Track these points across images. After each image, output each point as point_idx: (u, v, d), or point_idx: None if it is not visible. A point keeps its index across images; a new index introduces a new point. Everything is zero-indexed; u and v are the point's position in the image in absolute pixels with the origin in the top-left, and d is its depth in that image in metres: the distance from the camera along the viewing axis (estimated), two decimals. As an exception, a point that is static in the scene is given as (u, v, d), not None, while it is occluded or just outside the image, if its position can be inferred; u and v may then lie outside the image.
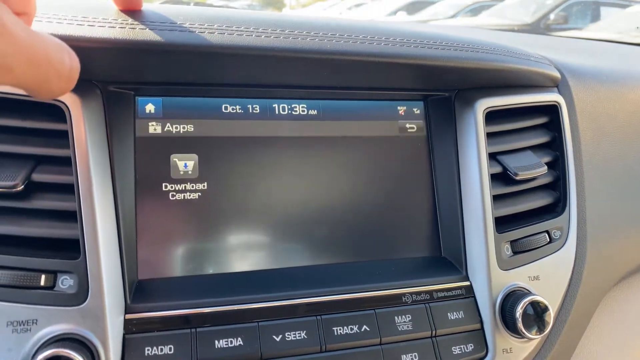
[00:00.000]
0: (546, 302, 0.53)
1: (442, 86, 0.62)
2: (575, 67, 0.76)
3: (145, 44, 0.46)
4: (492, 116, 0.62)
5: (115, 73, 0.52)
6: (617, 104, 0.79)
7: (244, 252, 0.54)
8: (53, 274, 0.45)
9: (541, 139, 0.66)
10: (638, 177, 0.75)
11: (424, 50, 0.55)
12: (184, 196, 0.54)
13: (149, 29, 0.47)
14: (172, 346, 0.46)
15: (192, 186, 0.54)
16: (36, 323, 0.43)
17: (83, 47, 0.45)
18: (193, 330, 0.47)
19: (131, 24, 0.47)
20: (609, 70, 0.85)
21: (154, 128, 0.54)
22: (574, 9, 9.44)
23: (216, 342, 0.47)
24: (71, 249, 0.46)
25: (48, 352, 0.41)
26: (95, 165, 0.48)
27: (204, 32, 0.48)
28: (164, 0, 1.33)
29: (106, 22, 0.46)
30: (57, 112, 0.48)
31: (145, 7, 0.54)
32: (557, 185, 0.65)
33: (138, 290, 0.49)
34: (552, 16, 9.22)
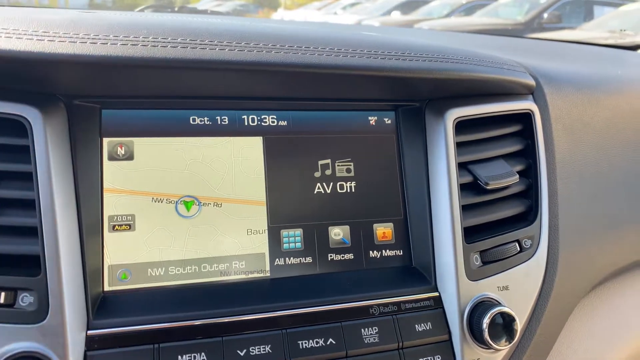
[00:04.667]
0: (513, 313, 0.53)
1: (413, 96, 0.62)
2: (550, 73, 0.76)
3: (107, 59, 0.46)
4: (464, 125, 0.62)
5: (80, 87, 0.52)
6: (592, 110, 0.79)
7: (213, 262, 0.54)
8: (13, 291, 0.45)
9: (514, 147, 0.66)
10: (612, 183, 0.76)
11: (392, 62, 0.54)
12: (151, 209, 0.53)
13: (111, 44, 0.46)
14: None
15: None
16: None
17: (45, 62, 0.45)
18: (156, 345, 0.47)
19: (92, 39, 0.46)
20: (585, 76, 0.85)
21: (121, 147, 0.54)
22: (567, 8, 9.47)
23: (179, 357, 0.47)
24: (32, 266, 0.46)
25: None
26: (58, 181, 0.47)
27: (167, 45, 0.48)
28: (150, 4, 1.32)
29: (67, 37, 0.46)
30: (19, 127, 0.48)
31: (108, 18, 0.53)
32: (530, 194, 0.65)
33: (102, 305, 0.49)
34: (545, 15, 9.25)
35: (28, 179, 0.47)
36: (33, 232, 0.46)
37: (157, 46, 0.47)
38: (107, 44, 0.46)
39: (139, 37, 0.48)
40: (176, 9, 1.29)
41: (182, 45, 0.48)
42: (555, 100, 0.72)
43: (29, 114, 0.48)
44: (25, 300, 0.45)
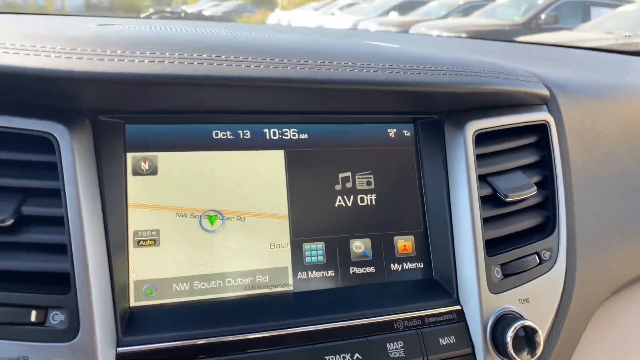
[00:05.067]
0: (536, 327, 0.54)
1: (432, 109, 0.63)
2: (563, 83, 0.76)
3: (135, 76, 0.46)
4: (482, 137, 0.63)
5: (105, 103, 0.52)
6: (605, 119, 0.80)
7: (237, 276, 0.55)
8: (44, 309, 0.45)
9: (531, 158, 0.66)
10: (627, 193, 0.76)
11: (413, 77, 0.55)
12: (175, 224, 0.54)
13: (138, 61, 0.47)
14: None
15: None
16: None
17: (73, 80, 0.45)
18: None
19: (120, 56, 0.47)
20: (595, 84, 0.86)
21: (145, 161, 0.54)
22: (564, 9, 9.51)
23: None
24: (62, 283, 0.46)
25: None
26: (85, 197, 0.48)
27: (193, 62, 0.48)
28: (155, 10, 1.32)
29: (94, 54, 0.46)
30: (46, 144, 0.48)
31: (131, 33, 0.54)
32: (547, 205, 0.65)
33: (129, 321, 0.49)
34: (543, 16, 9.28)
35: (56, 195, 0.47)
36: (62, 249, 0.46)
37: (184, 63, 0.47)
38: (134, 61, 0.47)
39: (164, 53, 0.48)
40: (182, 14, 1.28)
41: (208, 62, 0.48)
42: (569, 110, 0.72)
43: (56, 130, 0.48)
44: (56, 318, 0.45)
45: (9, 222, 0.46)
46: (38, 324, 0.45)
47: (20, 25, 0.69)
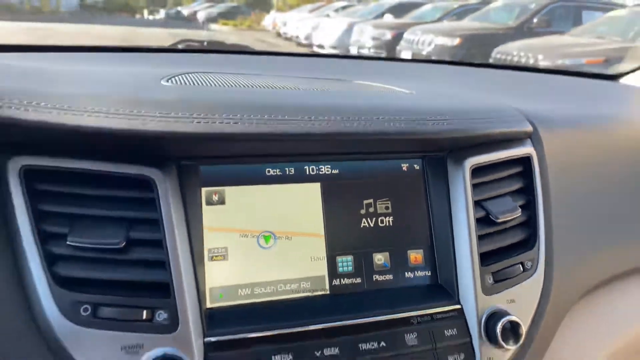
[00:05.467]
0: (519, 321, 0.69)
1: (437, 148, 0.78)
2: (545, 117, 0.91)
3: (214, 135, 0.61)
4: (477, 170, 0.78)
5: (186, 151, 0.67)
6: (582, 147, 0.96)
7: (286, 283, 0.70)
8: (151, 310, 0.60)
9: (517, 185, 0.82)
10: (596, 211, 0.92)
11: (424, 127, 0.70)
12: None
13: (219, 122, 0.62)
14: None
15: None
16: (142, 347, 0.58)
17: (171, 138, 0.60)
18: (256, 349, 0.62)
19: (205, 118, 0.62)
20: (574, 116, 1.02)
21: (215, 194, 0.69)
22: (556, 13, 9.64)
23: (273, 357, 0.62)
24: (162, 290, 0.61)
25: None
26: (177, 224, 0.63)
27: (260, 122, 0.63)
28: (180, 40, 1.46)
29: (185, 117, 0.61)
30: (145, 184, 0.63)
31: (208, 96, 0.69)
32: (530, 224, 0.81)
33: (209, 318, 0.64)
34: (535, 20, 9.41)
35: (154, 223, 0.62)
36: (161, 265, 0.62)
37: (253, 123, 0.63)
38: (215, 122, 0.62)
39: (237, 115, 0.63)
40: (205, 43, 1.44)
41: (272, 121, 0.63)
42: (550, 142, 0.87)
43: (154, 174, 0.63)
44: (161, 316, 0.60)
45: (122, 244, 0.61)
46: (148, 320, 0.60)
47: (93, 74, 0.84)
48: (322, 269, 0.72)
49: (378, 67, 1.41)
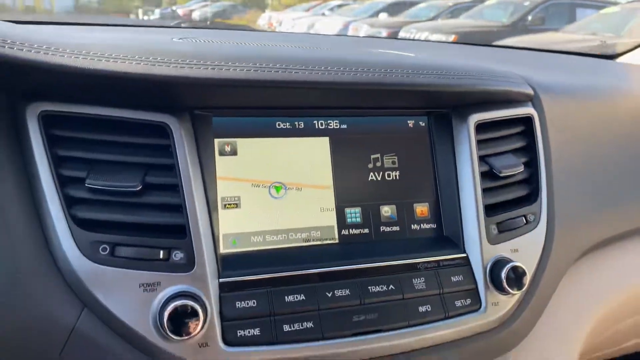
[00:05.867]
0: (524, 267, 0.72)
1: (442, 104, 0.80)
2: (545, 84, 0.94)
3: (226, 80, 0.63)
4: (481, 126, 0.80)
5: (199, 101, 0.69)
6: (580, 113, 0.98)
7: (297, 232, 0.72)
8: (168, 250, 0.62)
9: (519, 143, 0.84)
10: (596, 174, 0.95)
11: (431, 79, 0.72)
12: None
13: (231, 69, 0.63)
14: (255, 300, 0.63)
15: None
16: (160, 284, 0.60)
17: (186, 83, 0.62)
18: (269, 289, 0.64)
19: (218, 65, 0.63)
20: (573, 85, 1.05)
21: (228, 145, 0.71)
22: (550, 11, 9.71)
23: (286, 297, 0.64)
24: (178, 232, 0.63)
25: (175, 304, 0.57)
26: (192, 170, 0.64)
27: (271, 70, 0.65)
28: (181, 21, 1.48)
29: (201, 64, 0.63)
30: (160, 131, 0.65)
31: (216, 48, 0.70)
32: (532, 180, 0.83)
33: (223, 262, 0.66)
34: (529, 18, 9.48)
35: (170, 169, 0.64)
36: (177, 209, 0.63)
37: (265, 70, 0.64)
38: (228, 69, 0.63)
39: (249, 63, 0.65)
40: (208, 22, 1.45)
41: (280, 69, 0.65)
42: (550, 107, 0.90)
43: (170, 121, 0.65)
44: (177, 256, 0.62)
45: (139, 187, 0.62)
46: (164, 260, 0.61)
47: (108, 36, 0.85)
48: (332, 219, 0.74)
49: (382, 43, 1.44)
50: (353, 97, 0.74)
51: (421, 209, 0.78)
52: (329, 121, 0.76)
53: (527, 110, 0.85)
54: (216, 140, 0.71)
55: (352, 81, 0.67)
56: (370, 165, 0.77)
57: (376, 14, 12.70)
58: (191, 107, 0.68)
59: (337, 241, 0.73)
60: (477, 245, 0.74)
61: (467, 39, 8.56)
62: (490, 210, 0.77)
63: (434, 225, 0.78)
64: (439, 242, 0.76)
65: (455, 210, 0.77)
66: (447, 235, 0.78)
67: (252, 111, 0.73)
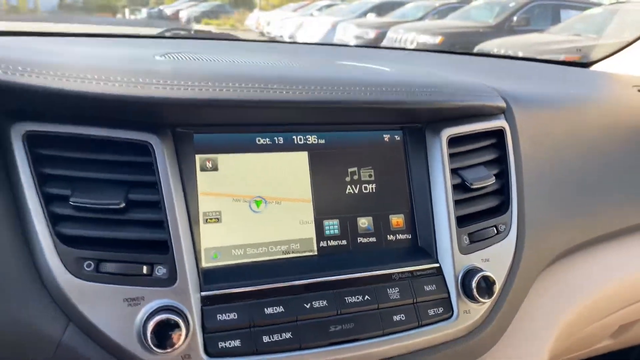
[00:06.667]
0: (493, 276, 0.75)
1: (416, 120, 0.83)
2: (517, 95, 0.97)
3: (208, 101, 0.66)
4: (453, 140, 0.83)
5: (181, 119, 0.71)
6: (551, 124, 1.02)
7: (277, 244, 0.74)
8: (151, 265, 0.64)
9: (491, 155, 0.87)
10: (566, 182, 0.98)
11: (404, 97, 0.75)
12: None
13: (212, 89, 0.66)
14: (235, 313, 0.65)
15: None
16: (143, 299, 0.62)
17: (167, 104, 0.64)
18: (249, 302, 0.66)
19: (199, 86, 0.66)
20: (545, 95, 1.08)
21: (209, 161, 0.73)
22: (535, 11, 9.82)
23: (265, 309, 0.67)
24: (161, 247, 0.65)
25: (158, 318, 0.60)
26: (174, 187, 0.67)
27: (249, 89, 0.67)
28: (168, 28, 1.50)
29: (181, 85, 0.65)
30: (143, 149, 0.67)
31: (197, 67, 0.73)
32: (503, 191, 0.87)
33: (205, 275, 0.68)
34: (515, 18, 9.57)
35: (152, 186, 0.66)
36: (159, 225, 0.66)
37: (244, 90, 0.67)
38: (208, 89, 0.66)
39: (229, 83, 0.67)
40: (192, 31, 1.47)
41: (260, 89, 0.68)
42: (521, 118, 0.93)
43: (151, 139, 0.67)
44: (160, 271, 0.64)
45: (122, 205, 0.65)
46: (148, 275, 0.64)
47: (90, 52, 0.87)
48: (310, 232, 0.76)
49: (361, 53, 1.47)
50: (330, 114, 0.77)
51: (397, 220, 0.81)
52: (307, 136, 0.79)
53: (499, 123, 0.89)
54: (197, 156, 0.73)
55: (328, 99, 0.70)
56: (348, 179, 0.80)
57: (364, 14, 12.75)
58: (173, 125, 0.71)
59: (315, 253, 0.76)
60: (450, 256, 0.77)
61: (454, 40, 8.65)
62: (462, 221, 0.80)
63: (409, 236, 0.81)
64: (413, 253, 0.79)
65: (429, 221, 0.80)
66: (422, 245, 0.81)
67: (232, 127, 0.75)
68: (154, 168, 0.67)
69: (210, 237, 0.72)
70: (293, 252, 0.75)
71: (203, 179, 0.73)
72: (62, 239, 0.63)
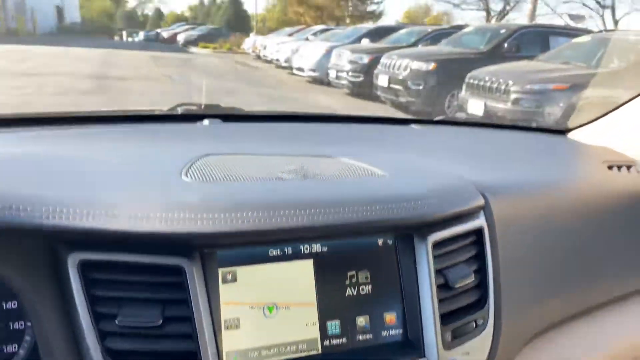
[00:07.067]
0: (473, 369, 0.88)
1: (406, 228, 0.96)
2: (495, 188, 1.10)
3: (233, 233, 0.79)
4: (437, 243, 0.97)
5: (209, 243, 0.84)
6: (529, 212, 1.15)
7: (287, 345, 0.87)
8: None
9: (471, 253, 1.01)
10: (542, 266, 1.12)
11: (396, 215, 0.89)
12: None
13: (235, 220, 0.79)
14: None
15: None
16: None
17: (196, 236, 0.78)
18: None
19: (223, 219, 0.79)
20: (523, 182, 1.22)
21: (229, 274, 0.86)
22: (525, 38, 10.07)
23: None
24: (190, 357, 0.78)
25: None
26: (202, 301, 0.80)
27: (269, 219, 0.81)
28: (179, 103, 1.63)
29: (211, 219, 0.78)
30: (174, 271, 0.80)
31: (220, 193, 0.86)
32: (482, 286, 1.00)
33: None
34: (505, 45, 9.80)
35: (184, 302, 0.79)
36: (189, 336, 0.78)
37: (266, 220, 0.81)
38: (235, 221, 0.79)
39: (252, 213, 0.81)
40: (202, 106, 1.61)
41: (278, 217, 0.81)
42: (500, 212, 1.06)
43: (183, 262, 0.80)
44: (192, 380, 0.77)
45: (159, 322, 0.77)
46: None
47: (112, 162, 1.00)
48: (315, 332, 0.89)
49: (357, 132, 1.61)
50: (333, 230, 0.91)
51: (390, 317, 0.94)
52: (312, 245, 0.92)
53: (478, 222, 1.02)
54: (220, 270, 0.86)
55: (332, 223, 0.84)
56: (347, 282, 0.93)
57: (358, 39, 13.01)
58: (201, 247, 0.84)
59: (320, 352, 0.89)
60: (435, 351, 0.90)
61: (446, 66, 8.85)
62: (446, 318, 0.93)
63: (400, 331, 0.94)
64: (404, 347, 0.92)
65: (417, 318, 0.93)
66: (411, 339, 0.94)
67: (249, 244, 0.88)
68: (185, 287, 0.80)
69: (231, 342, 0.84)
70: (300, 352, 0.88)
71: (225, 290, 0.85)
72: (109, 353, 0.75)
